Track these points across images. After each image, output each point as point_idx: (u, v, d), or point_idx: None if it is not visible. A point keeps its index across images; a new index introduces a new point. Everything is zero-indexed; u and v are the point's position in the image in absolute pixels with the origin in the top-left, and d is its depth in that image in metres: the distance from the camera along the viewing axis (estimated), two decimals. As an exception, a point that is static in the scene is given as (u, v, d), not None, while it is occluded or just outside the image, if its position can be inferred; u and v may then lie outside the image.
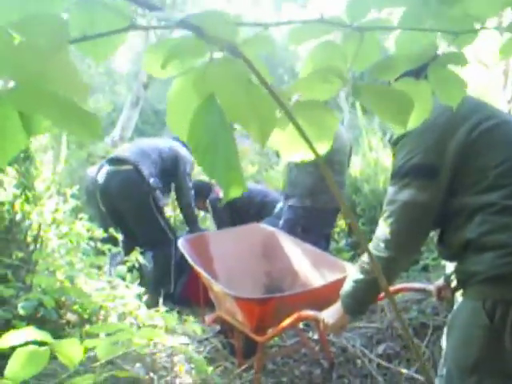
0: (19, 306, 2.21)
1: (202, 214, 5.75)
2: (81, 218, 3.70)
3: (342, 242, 4.97)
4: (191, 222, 4.59)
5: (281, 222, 4.04)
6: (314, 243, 3.50)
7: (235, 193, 0.52)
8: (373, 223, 4.91)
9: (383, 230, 1.73)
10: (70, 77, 0.49)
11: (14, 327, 2.40)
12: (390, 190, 1.74)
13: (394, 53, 0.66)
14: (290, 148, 0.64)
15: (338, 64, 0.65)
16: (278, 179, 6.41)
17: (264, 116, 0.53)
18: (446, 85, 0.67)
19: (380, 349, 3.08)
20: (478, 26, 0.63)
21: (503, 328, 1.49)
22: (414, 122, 0.67)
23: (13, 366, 0.79)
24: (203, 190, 4.89)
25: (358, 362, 3.01)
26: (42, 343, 0.80)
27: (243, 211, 4.63)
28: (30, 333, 0.77)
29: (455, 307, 1.69)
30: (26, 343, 0.80)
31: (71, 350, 0.76)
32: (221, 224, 4.79)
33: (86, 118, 0.49)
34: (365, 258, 1.84)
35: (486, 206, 1.55)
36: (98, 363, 0.92)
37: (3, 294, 2.17)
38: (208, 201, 4.86)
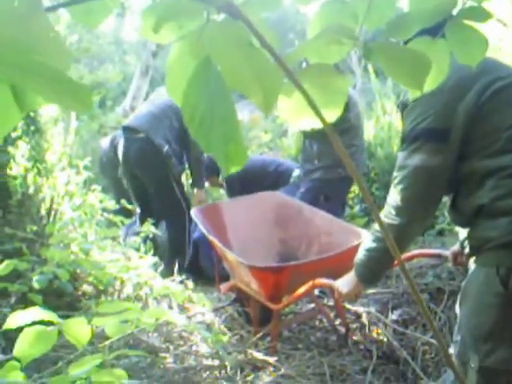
0: (34, 279, 2.23)
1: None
2: (93, 190, 3.69)
3: (357, 208, 4.93)
4: (196, 178, 4.49)
5: (301, 191, 3.99)
6: (333, 210, 3.48)
7: (235, 167, 0.48)
8: (387, 188, 4.86)
9: (394, 196, 1.70)
10: (50, 43, 0.45)
11: (30, 300, 2.43)
12: (400, 155, 1.70)
13: (408, 10, 0.61)
14: (298, 116, 0.60)
15: (347, 23, 0.60)
16: (291, 147, 6.34)
17: (268, 82, 0.49)
18: (466, 43, 0.62)
19: (396, 314, 3.07)
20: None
21: None
22: (430, 84, 0.62)
23: (21, 346, 0.78)
24: (216, 165, 4.83)
25: (374, 327, 3.00)
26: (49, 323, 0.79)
27: (257, 183, 4.55)
28: (37, 313, 0.76)
29: (468, 274, 1.67)
30: (34, 323, 0.79)
31: (79, 330, 0.75)
32: (231, 193, 4.76)
33: (77, 89, 0.46)
34: (377, 225, 1.81)
35: (498, 170, 1.52)
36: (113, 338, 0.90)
37: (18, 268, 2.17)
38: (221, 176, 4.79)
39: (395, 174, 1.72)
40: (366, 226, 4.40)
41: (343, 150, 0.55)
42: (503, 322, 1.50)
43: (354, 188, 5.18)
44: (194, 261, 4.29)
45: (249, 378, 2.33)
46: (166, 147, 4.07)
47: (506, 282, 1.48)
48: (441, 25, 0.65)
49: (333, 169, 3.82)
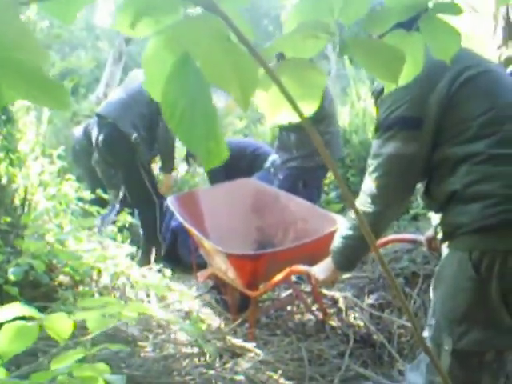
0: (10, 271, 2.20)
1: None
2: (68, 179, 3.65)
3: (332, 194, 4.97)
4: (164, 162, 4.45)
5: (279, 178, 4.02)
6: (310, 196, 3.51)
7: (215, 162, 0.48)
8: (363, 174, 4.90)
9: (369, 184, 1.72)
10: (25, 42, 0.44)
11: (5, 292, 2.40)
12: (375, 143, 1.71)
13: (385, 4, 0.62)
14: (276, 110, 0.60)
15: (323, 17, 0.61)
16: (266, 133, 6.34)
17: (245, 77, 0.49)
18: (439, 36, 0.63)
19: (372, 299, 3.12)
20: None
21: (489, 279, 1.50)
22: (405, 76, 0.63)
23: (1, 343, 0.77)
24: None
25: (351, 312, 3.05)
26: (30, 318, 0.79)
27: (234, 165, 4.55)
28: (18, 309, 0.75)
29: (442, 259, 1.70)
30: (14, 319, 0.78)
31: (60, 325, 0.75)
32: (213, 179, 4.73)
33: (54, 88, 0.45)
34: (353, 213, 1.83)
35: (471, 156, 1.54)
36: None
37: (-7, 260, 2.15)
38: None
39: (370, 161, 1.73)
40: (342, 211, 4.44)
41: (319, 140, 0.56)
42: (476, 305, 1.53)
43: (330, 174, 5.23)
44: (171, 249, 4.28)
45: (228, 365, 2.35)
46: (135, 135, 4.04)
47: (477, 267, 1.51)
48: (415, 19, 0.66)
49: (311, 157, 3.86)
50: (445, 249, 1.68)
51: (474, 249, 1.52)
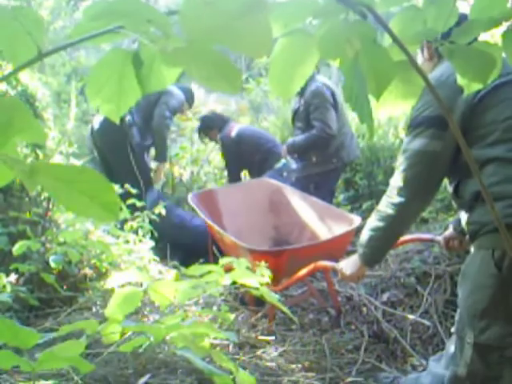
0: (50, 259, 2.29)
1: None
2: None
3: (341, 197, 5.08)
4: (158, 151, 4.47)
5: (292, 181, 4.11)
6: (323, 198, 3.60)
7: (372, 133, 0.60)
8: (370, 177, 5.02)
9: (396, 177, 1.83)
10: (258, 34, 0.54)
11: (39, 280, 2.49)
12: (405, 140, 1.83)
13: (471, 18, 0.73)
14: (384, 103, 0.71)
15: (419, 26, 0.72)
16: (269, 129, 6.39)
17: (381, 73, 0.60)
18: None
19: (384, 297, 3.22)
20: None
21: (511, 277, 1.58)
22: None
23: (112, 305, 0.88)
24: (217, 121, 4.85)
25: (364, 309, 3.15)
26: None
27: (248, 154, 4.65)
28: (131, 274, 0.85)
29: (467, 257, 1.80)
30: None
31: (164, 290, 0.85)
32: (227, 162, 4.81)
33: (231, 71, 0.55)
34: (380, 205, 1.91)
35: (495, 159, 1.63)
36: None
37: (31, 249, 2.24)
38: (220, 136, 4.81)
39: (399, 157, 1.85)
40: (350, 213, 4.53)
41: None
42: (497, 302, 1.61)
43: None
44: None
45: (254, 354, 2.44)
46: (128, 117, 4.13)
47: (499, 265, 1.60)
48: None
49: (328, 162, 3.97)
50: (471, 247, 1.78)
51: (496, 247, 1.61)
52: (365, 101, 0.59)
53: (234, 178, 4.72)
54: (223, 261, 1.03)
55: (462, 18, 0.77)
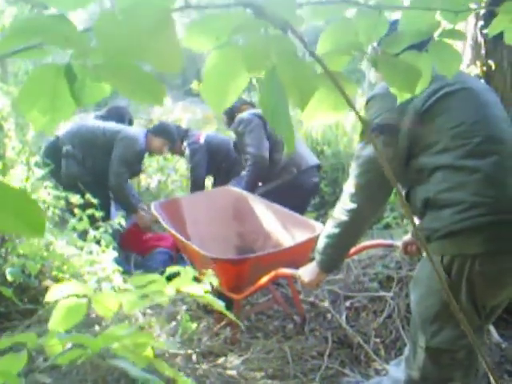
0: (7, 271, 2.25)
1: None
2: (46, 187, 3.66)
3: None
4: (124, 206, 4.36)
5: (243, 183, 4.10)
6: (294, 207, 3.59)
7: (291, 146, 0.61)
8: (335, 184, 5.08)
9: (349, 183, 1.85)
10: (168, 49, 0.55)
11: (1, 293, 2.43)
12: (357, 147, 1.86)
13: (401, 29, 0.75)
14: (313, 113, 0.73)
15: (350, 38, 0.74)
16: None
17: (304, 85, 0.62)
18: (444, 57, 0.77)
19: (348, 302, 3.25)
20: (473, 5, 0.73)
21: (459, 282, 1.63)
22: (417, 89, 0.77)
23: (55, 318, 0.87)
24: (177, 132, 4.75)
25: (329, 315, 3.18)
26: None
27: (217, 161, 4.65)
28: (72, 286, 0.85)
29: (419, 263, 1.84)
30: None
31: (108, 302, 0.84)
32: (192, 169, 4.75)
33: (153, 85, 0.56)
34: (335, 212, 1.92)
35: (443, 166, 1.67)
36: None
37: (-13, 261, 2.20)
38: (187, 144, 4.75)
39: (352, 163, 1.87)
40: (316, 220, 4.57)
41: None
42: (447, 307, 1.63)
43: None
44: None
45: (218, 362, 2.44)
46: (69, 147, 4.17)
47: (449, 270, 1.64)
48: (425, 42, 0.80)
49: (283, 173, 4.02)
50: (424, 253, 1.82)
51: (445, 253, 1.65)
52: (282, 113, 0.60)
53: (198, 185, 4.67)
54: (169, 270, 1.03)
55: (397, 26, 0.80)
